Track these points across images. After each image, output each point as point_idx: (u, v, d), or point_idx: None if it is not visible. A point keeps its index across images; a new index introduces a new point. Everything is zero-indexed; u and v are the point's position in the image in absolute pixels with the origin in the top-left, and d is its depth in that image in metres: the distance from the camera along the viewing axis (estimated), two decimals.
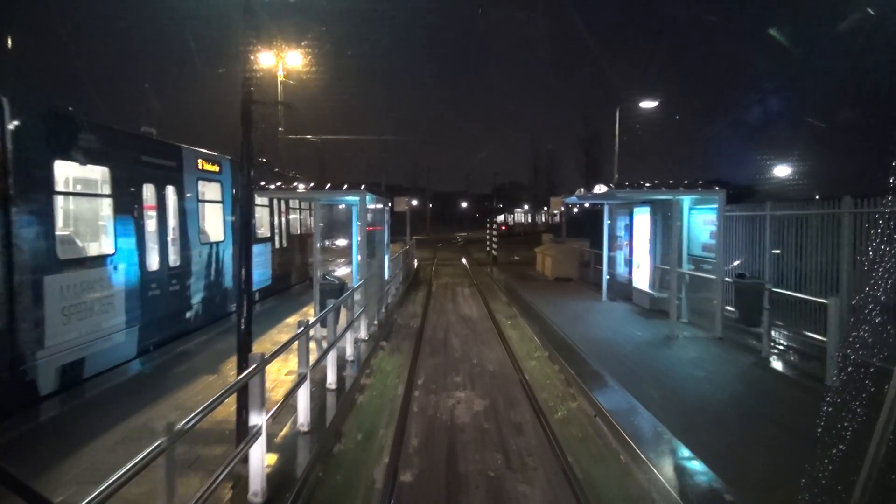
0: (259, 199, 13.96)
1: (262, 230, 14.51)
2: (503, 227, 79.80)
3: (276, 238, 15.33)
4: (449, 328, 12.18)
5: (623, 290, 14.44)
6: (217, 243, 11.28)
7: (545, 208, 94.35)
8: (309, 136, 30.06)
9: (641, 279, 13.02)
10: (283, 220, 16.03)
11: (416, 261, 28.13)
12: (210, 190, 11.42)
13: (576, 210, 40.39)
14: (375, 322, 10.97)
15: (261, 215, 14.72)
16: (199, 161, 10.57)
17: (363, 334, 9.66)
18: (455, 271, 25.29)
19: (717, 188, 9.87)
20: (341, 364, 8.02)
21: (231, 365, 7.76)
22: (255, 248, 13.48)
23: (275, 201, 15.15)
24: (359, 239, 9.97)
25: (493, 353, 9.93)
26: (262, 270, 13.92)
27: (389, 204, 32.28)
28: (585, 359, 8.34)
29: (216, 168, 11.25)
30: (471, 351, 10.09)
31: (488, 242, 31.42)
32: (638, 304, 13.01)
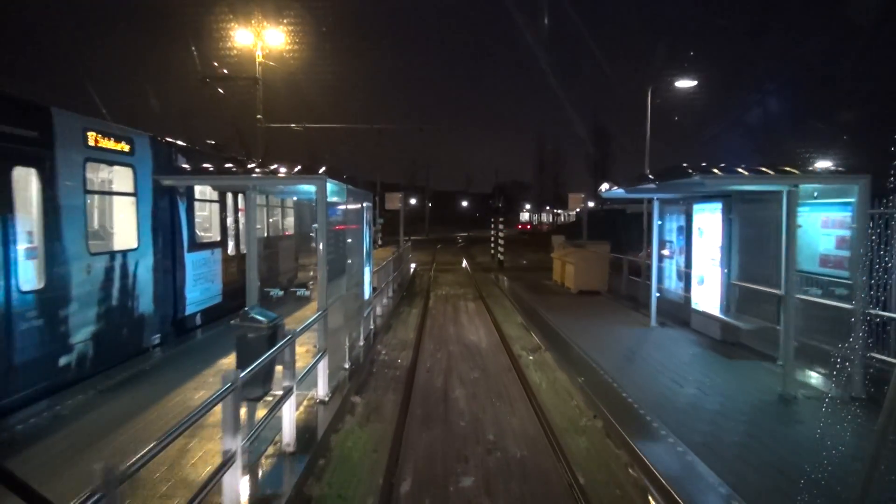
0: (201, 191, 10.70)
1: (209, 233, 11.25)
2: (527, 227, 76.18)
3: (231, 242, 12.07)
4: (450, 369, 8.93)
5: (674, 311, 11.22)
6: (125, 252, 8.01)
7: (548, 207, 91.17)
8: (293, 125, 26.94)
9: (706, 299, 9.78)
10: (243, 219, 12.76)
11: (412, 265, 24.96)
12: (114, 177, 8.17)
13: (578, 210, 37.17)
14: (346, 364, 7.73)
15: (208, 213, 11.47)
16: (91, 135, 7.30)
17: (322, 391, 6.41)
18: (456, 279, 22.02)
19: (853, 174, 6.63)
20: (278, 460, 4.80)
21: (68, 479, 4.50)
22: (198, 256, 10.24)
23: (229, 196, 11.89)
24: (319, 247, 6.68)
25: (518, 419, 6.68)
26: (206, 285, 10.64)
27: (377, 200, 28.90)
28: (670, 443, 5.10)
29: (123, 147, 7.97)
30: (483, 414, 6.85)
31: (493, 245, 28.19)
32: (702, 333, 9.77)
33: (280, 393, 5.07)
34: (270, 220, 15.36)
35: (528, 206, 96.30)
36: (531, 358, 9.45)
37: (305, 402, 6.29)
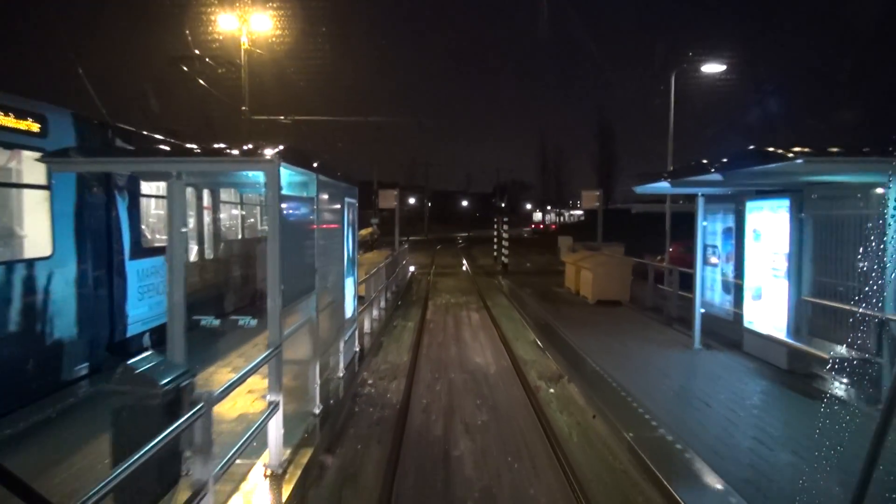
0: (154, 185, 8.90)
1: (163, 235, 9.44)
2: (539, 226, 74.33)
3: (195, 246, 10.28)
4: (452, 408, 7.10)
5: (718, 329, 9.41)
6: (31, 262, 6.19)
7: (549, 207, 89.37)
8: (281, 118, 25.12)
9: (766, 318, 7.97)
10: (209, 218, 10.97)
11: (411, 267, 23.22)
12: (17, 165, 6.36)
13: (582, 210, 35.44)
14: (316, 409, 5.92)
15: (163, 212, 9.65)
16: None
17: (275, 460, 4.60)
18: (458, 285, 20.20)
19: None
20: None
21: None
22: (146, 264, 8.45)
23: (190, 191, 10.07)
24: (268, 261, 4.85)
25: (545, 492, 4.84)
26: (159, 298, 8.79)
27: (375, 199, 26.98)
28: None
29: (31, 126, 6.15)
30: (498, 485, 5.01)
31: (496, 247, 26.40)
32: (760, 360, 7.96)
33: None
34: (249, 220, 13.62)
35: (528, 206, 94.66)
36: (552, 391, 7.64)
37: (251, 477, 4.49)
